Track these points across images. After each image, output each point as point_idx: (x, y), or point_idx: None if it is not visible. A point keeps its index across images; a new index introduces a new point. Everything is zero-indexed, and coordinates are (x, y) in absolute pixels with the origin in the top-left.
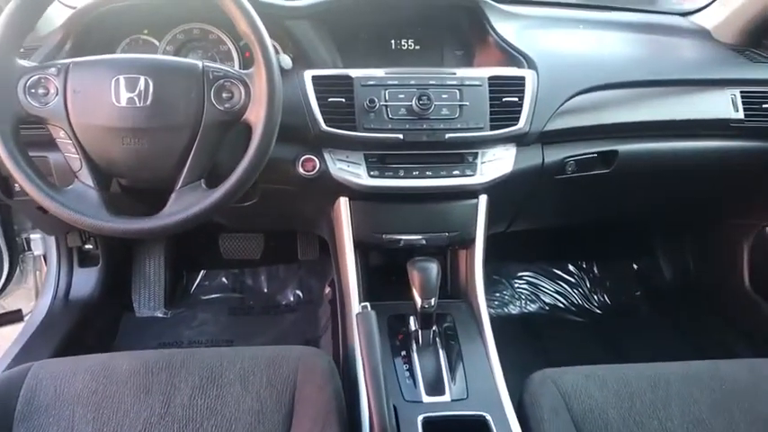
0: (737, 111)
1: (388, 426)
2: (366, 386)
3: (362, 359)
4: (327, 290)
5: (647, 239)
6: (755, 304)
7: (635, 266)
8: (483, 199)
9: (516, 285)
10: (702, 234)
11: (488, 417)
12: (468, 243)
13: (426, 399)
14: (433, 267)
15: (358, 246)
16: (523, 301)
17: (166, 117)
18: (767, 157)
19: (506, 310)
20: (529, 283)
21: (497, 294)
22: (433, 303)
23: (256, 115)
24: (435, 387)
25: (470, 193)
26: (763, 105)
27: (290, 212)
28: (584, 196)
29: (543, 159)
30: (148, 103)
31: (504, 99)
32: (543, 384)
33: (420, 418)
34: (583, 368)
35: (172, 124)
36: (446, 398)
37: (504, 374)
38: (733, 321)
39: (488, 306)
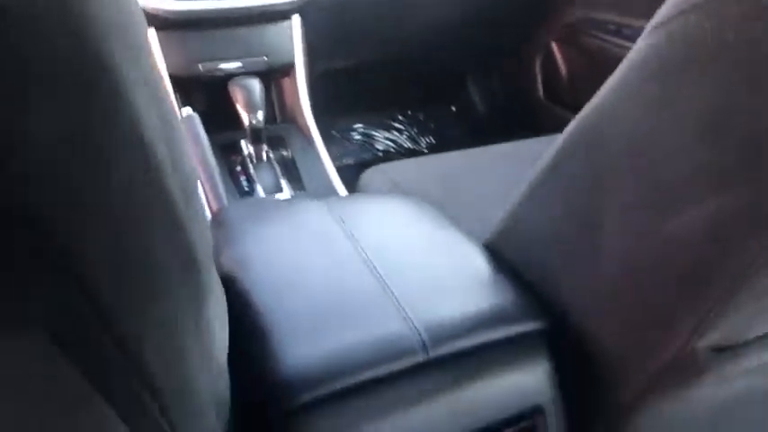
0: None
1: (224, 206)
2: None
3: (195, 161)
4: None
5: (462, 82)
6: (549, 109)
7: (453, 108)
8: (296, 20)
9: (351, 138)
10: (502, 65)
11: None
12: (289, 68)
13: (265, 197)
14: (255, 82)
15: (177, 83)
16: (359, 151)
17: None
18: None
19: (344, 161)
20: (362, 134)
21: (335, 148)
22: (260, 118)
23: None
24: (273, 188)
25: (281, 13)
26: None
27: None
28: (389, 21)
29: None
30: None
31: None
32: (375, 173)
33: None
34: (411, 159)
35: None
36: (285, 194)
37: None
38: (539, 129)
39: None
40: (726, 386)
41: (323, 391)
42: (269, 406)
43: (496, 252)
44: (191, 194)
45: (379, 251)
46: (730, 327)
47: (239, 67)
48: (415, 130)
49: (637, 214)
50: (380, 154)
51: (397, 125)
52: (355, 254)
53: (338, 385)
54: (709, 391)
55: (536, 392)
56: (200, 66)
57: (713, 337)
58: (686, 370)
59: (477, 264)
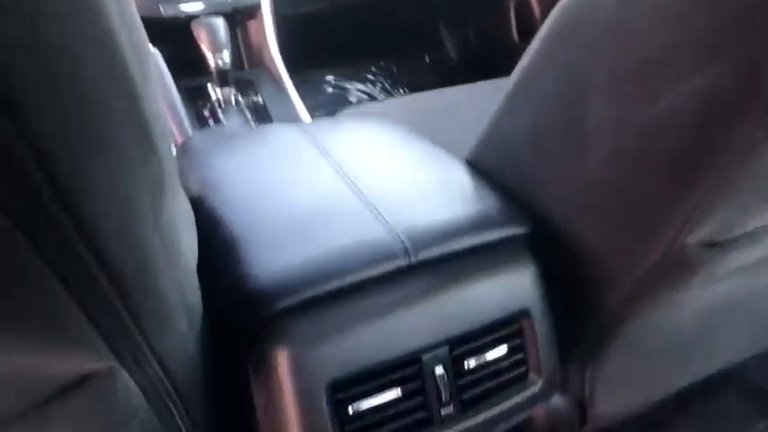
0: None
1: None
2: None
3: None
4: None
5: (435, 30)
6: (522, 48)
7: (427, 58)
8: None
9: (323, 90)
10: (475, 11)
11: None
12: (255, 10)
13: None
14: (219, 20)
15: None
16: (331, 103)
17: None
18: None
19: (316, 114)
20: (334, 86)
21: (307, 100)
22: (226, 59)
23: None
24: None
25: None
26: None
27: None
28: None
29: None
30: None
31: None
32: (352, 114)
33: None
34: (389, 100)
35: None
36: None
37: None
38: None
39: None
40: (713, 288)
41: (302, 297)
42: (245, 314)
43: (477, 164)
44: (146, 75)
45: (355, 165)
46: (720, 220)
47: (202, 9)
48: (389, 81)
49: (621, 98)
50: (353, 106)
51: (369, 76)
52: (330, 168)
53: (318, 291)
54: (697, 294)
55: (522, 296)
56: (160, 7)
57: (704, 232)
58: (677, 267)
59: (458, 174)
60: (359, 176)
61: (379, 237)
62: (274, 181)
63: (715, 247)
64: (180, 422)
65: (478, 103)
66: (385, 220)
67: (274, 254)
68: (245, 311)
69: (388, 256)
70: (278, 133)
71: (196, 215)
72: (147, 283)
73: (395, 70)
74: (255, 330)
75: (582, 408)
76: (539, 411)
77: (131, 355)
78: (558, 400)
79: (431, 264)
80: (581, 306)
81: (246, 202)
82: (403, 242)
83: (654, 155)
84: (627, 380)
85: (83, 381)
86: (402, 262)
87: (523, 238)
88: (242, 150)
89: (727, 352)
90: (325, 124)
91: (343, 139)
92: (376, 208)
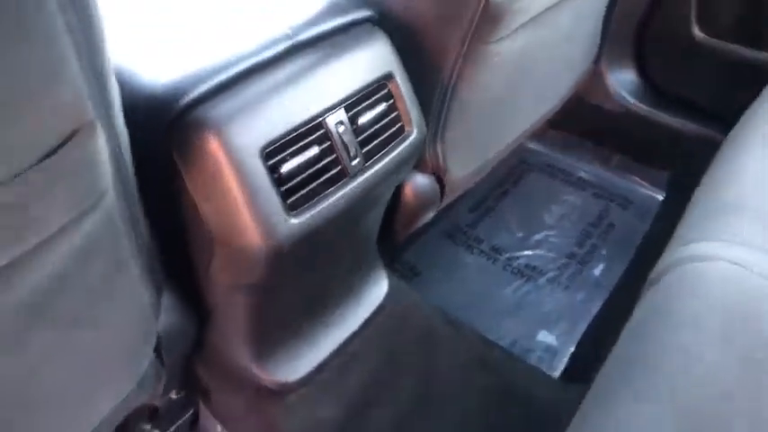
0: None
1: None
2: None
3: None
4: None
5: None
6: None
7: None
8: None
9: None
10: None
11: None
12: None
13: None
14: None
15: None
16: None
17: None
18: None
19: None
20: None
21: None
22: None
23: None
24: None
25: None
26: None
27: None
28: None
29: None
30: None
31: None
32: None
33: None
34: None
35: None
36: None
37: None
38: None
39: None
40: (512, 41)
41: (212, 83)
42: (157, 114)
43: None
44: None
45: None
46: None
47: None
48: None
49: None
50: None
51: None
52: None
53: (224, 77)
54: (508, 44)
55: (383, 63)
56: None
57: None
58: (489, 23)
59: None
60: None
61: (266, 26)
62: None
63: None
64: (138, 214)
65: None
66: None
67: (170, 56)
68: (163, 109)
69: (275, 40)
70: None
71: None
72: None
73: None
74: (180, 124)
75: (440, 180)
76: (407, 192)
77: (105, 112)
78: (421, 179)
79: (308, 43)
80: (425, 73)
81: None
82: (285, 30)
83: None
84: (468, 143)
85: (73, 134)
86: (286, 43)
87: (371, 20)
88: None
89: (531, 109)
90: None
91: None
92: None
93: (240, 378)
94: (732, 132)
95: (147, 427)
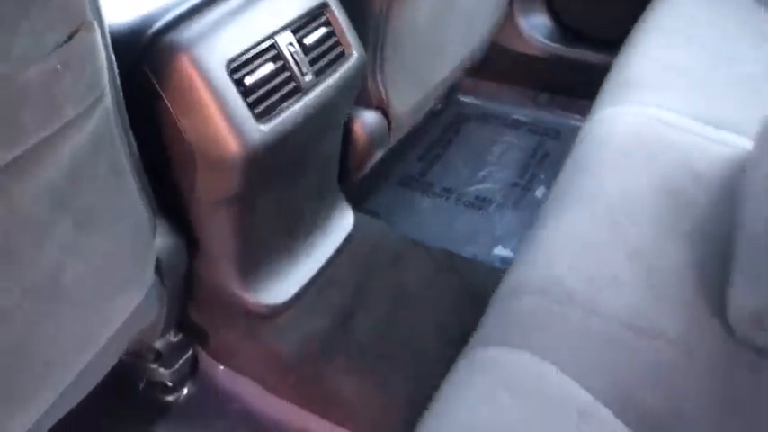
0: None
1: None
2: None
3: None
4: None
5: None
6: None
7: None
8: None
9: None
10: None
11: None
12: None
13: None
14: None
15: None
16: None
17: None
18: None
19: None
20: None
21: None
22: None
23: None
24: None
25: None
26: None
27: None
28: None
29: None
30: None
31: None
32: None
33: None
34: None
35: None
36: None
37: None
38: None
39: None
40: None
41: (176, 12)
42: (131, 42)
43: None
44: None
45: None
46: None
47: None
48: None
49: None
50: None
51: None
52: None
53: (187, 5)
54: None
55: None
56: None
57: None
58: None
59: None
60: None
61: None
62: None
63: None
64: (126, 126)
65: None
66: None
67: None
68: (136, 36)
69: None
70: None
71: None
72: None
73: None
74: (153, 49)
75: (386, 114)
76: (357, 129)
77: (97, 16)
78: (368, 115)
79: None
80: (359, 5)
81: None
82: None
83: None
84: (406, 75)
85: (76, 31)
86: None
87: None
88: None
89: (458, 44)
90: None
91: None
92: None
93: (231, 309)
94: (627, 38)
95: (155, 366)
